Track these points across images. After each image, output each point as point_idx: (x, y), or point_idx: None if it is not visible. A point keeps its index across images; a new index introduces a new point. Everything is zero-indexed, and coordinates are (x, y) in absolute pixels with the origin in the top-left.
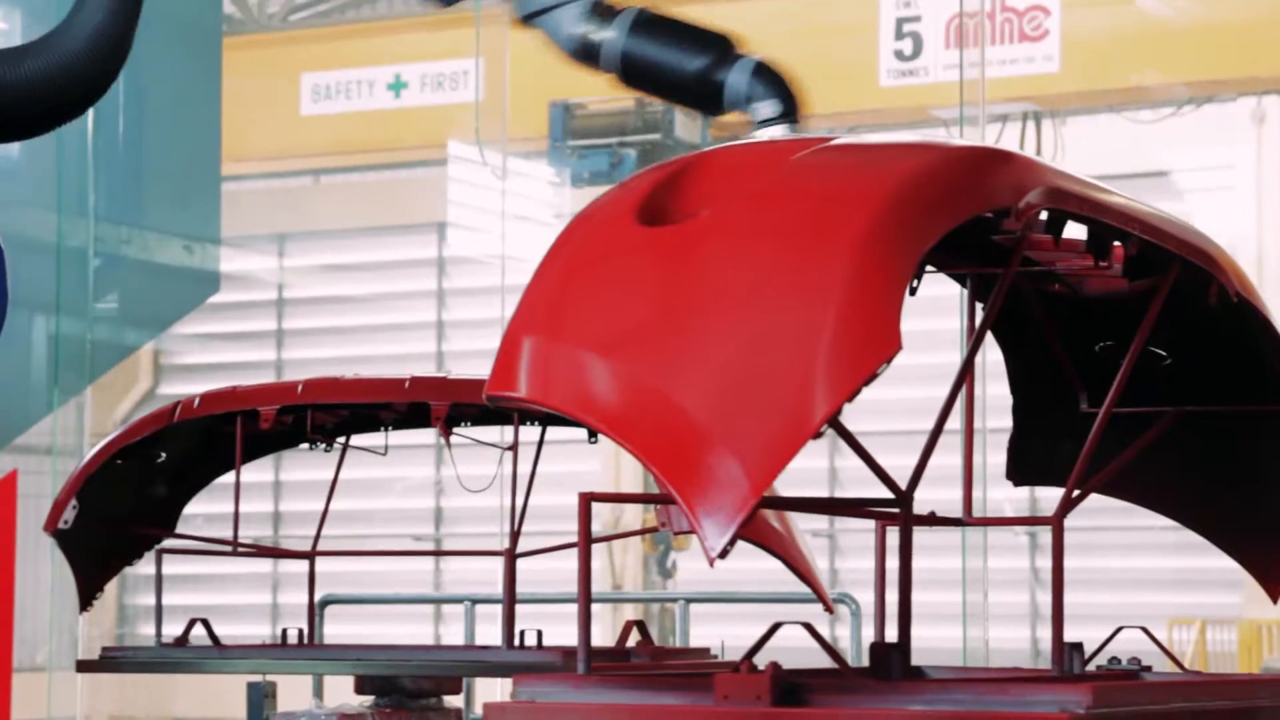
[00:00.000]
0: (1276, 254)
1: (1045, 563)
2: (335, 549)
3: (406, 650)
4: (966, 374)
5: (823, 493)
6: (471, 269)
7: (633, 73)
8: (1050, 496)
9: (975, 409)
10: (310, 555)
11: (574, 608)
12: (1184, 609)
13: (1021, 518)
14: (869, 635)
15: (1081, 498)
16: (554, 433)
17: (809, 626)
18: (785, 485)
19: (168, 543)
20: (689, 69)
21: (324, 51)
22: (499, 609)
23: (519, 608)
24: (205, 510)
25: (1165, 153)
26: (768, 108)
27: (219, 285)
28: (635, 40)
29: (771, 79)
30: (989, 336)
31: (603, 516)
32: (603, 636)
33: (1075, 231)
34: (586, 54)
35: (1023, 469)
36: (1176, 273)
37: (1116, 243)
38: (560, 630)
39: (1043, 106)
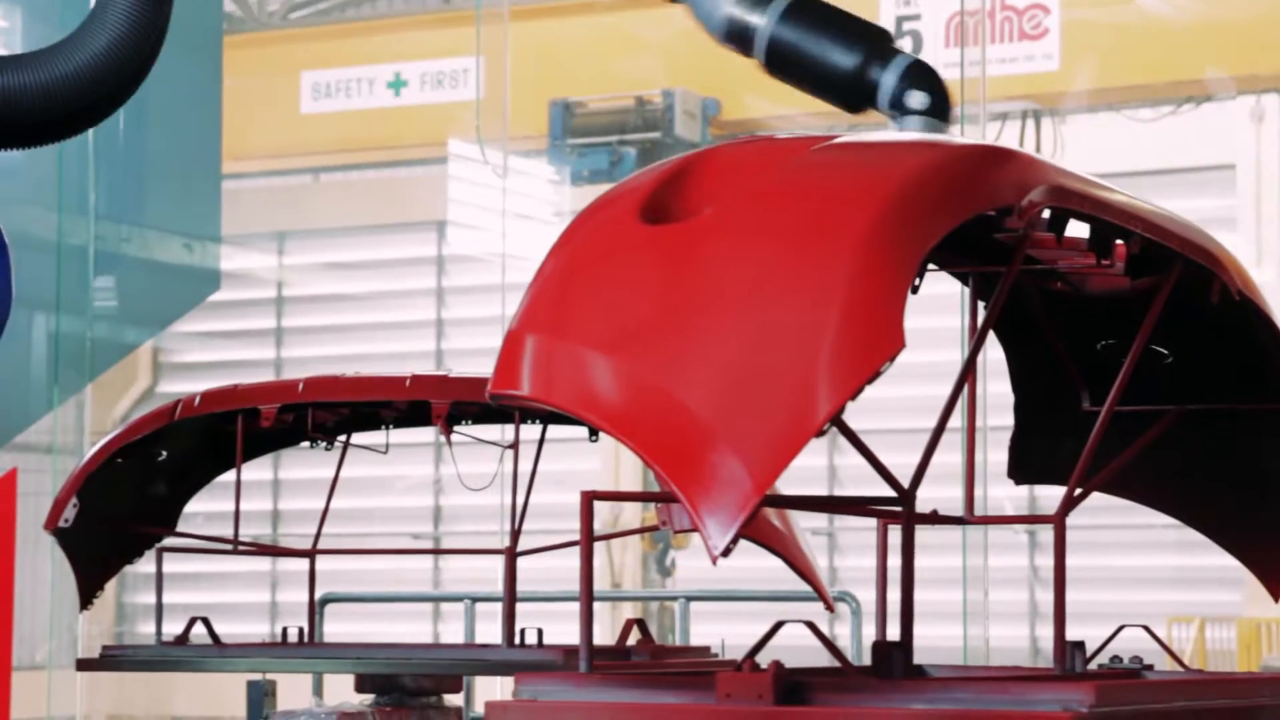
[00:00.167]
0: (1276, 252)
1: (1044, 561)
2: (335, 547)
3: (407, 649)
4: (968, 372)
5: (822, 491)
6: (471, 267)
7: (778, 62)
8: (1049, 495)
9: (976, 407)
10: (310, 553)
11: (574, 606)
12: (1183, 607)
13: (1024, 516)
14: (869, 634)
15: (1083, 496)
16: (554, 431)
17: (811, 625)
18: (786, 483)
19: (168, 541)
20: (840, 65)
21: (324, 50)
22: (499, 608)
23: (519, 606)
24: (205, 509)
25: (1164, 151)
26: (917, 99)
27: (219, 283)
28: (785, 28)
29: (927, 78)
30: (990, 335)
31: (601, 515)
32: (602, 635)
33: (1077, 230)
34: (736, 38)
35: (1024, 467)
36: (1179, 271)
37: (1119, 241)
38: (560, 629)
39: (1042, 105)
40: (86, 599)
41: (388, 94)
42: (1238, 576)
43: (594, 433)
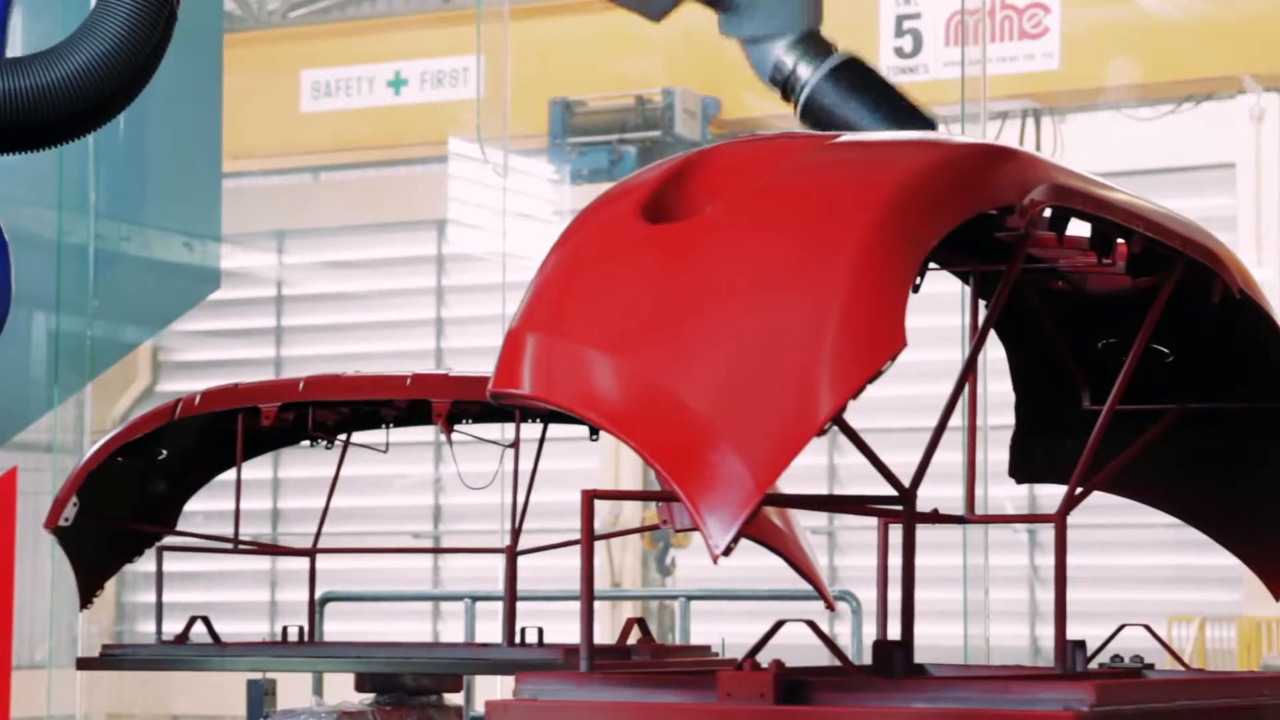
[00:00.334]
0: (1276, 252)
1: (1045, 560)
2: (335, 546)
3: (407, 648)
4: (969, 371)
5: (822, 490)
6: (471, 266)
7: (810, 117)
8: (1050, 494)
9: (977, 406)
10: (310, 552)
11: (574, 605)
12: (1183, 606)
13: (1024, 515)
14: (870, 633)
15: (1084, 495)
16: (554, 430)
17: (812, 624)
18: (786, 482)
19: (168, 540)
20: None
21: (324, 48)
22: (499, 607)
23: (519, 605)
24: (205, 507)
25: (1165, 150)
26: None
27: (219, 282)
28: (827, 85)
29: None
30: (991, 333)
31: (601, 514)
32: (602, 634)
33: (1078, 229)
34: (779, 82)
35: (1025, 466)
36: (1180, 270)
37: (1120, 240)
38: (560, 628)
39: (1043, 104)
40: (86, 598)
41: (388, 93)
42: (1238, 575)
43: (594, 431)
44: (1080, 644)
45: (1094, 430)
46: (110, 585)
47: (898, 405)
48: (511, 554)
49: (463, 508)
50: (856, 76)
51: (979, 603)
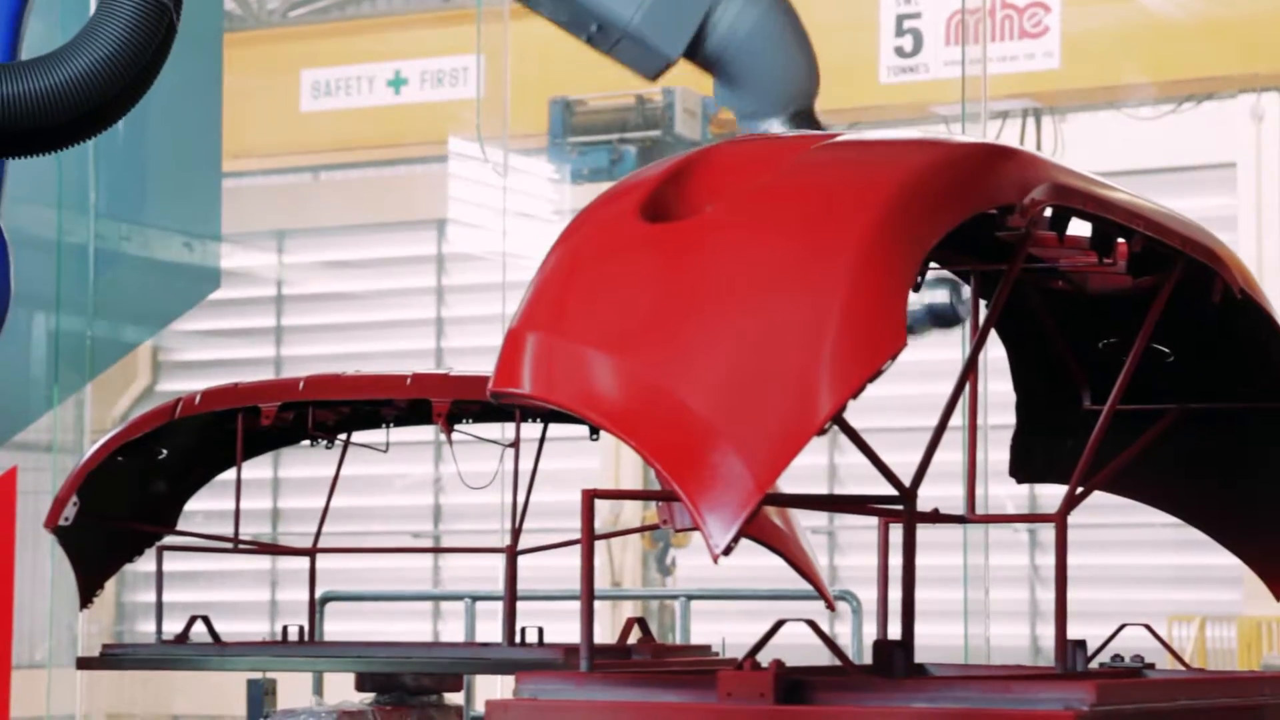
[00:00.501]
0: (1276, 251)
1: (1045, 560)
2: (336, 546)
3: (407, 647)
4: (970, 371)
5: (823, 489)
6: (472, 265)
7: None
8: (1050, 493)
9: (978, 406)
10: (311, 552)
11: (574, 605)
12: (1184, 606)
13: (1025, 515)
14: (870, 632)
15: (1084, 495)
16: (554, 429)
17: (812, 624)
18: (786, 482)
19: (168, 539)
20: None
21: (324, 48)
22: (499, 606)
23: (519, 605)
24: (205, 507)
25: (1165, 150)
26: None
27: (219, 282)
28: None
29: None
30: (992, 333)
31: (601, 514)
32: (602, 634)
33: (1079, 228)
34: None
35: (1025, 466)
36: (1180, 270)
37: (1120, 240)
38: (561, 627)
39: (1043, 103)
40: (86, 597)
41: (388, 92)
42: (1238, 575)
43: (595, 431)
44: (1081, 644)
45: (1094, 430)
46: (110, 585)
47: (898, 405)
48: (511, 554)
49: (463, 507)
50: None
51: (979, 602)
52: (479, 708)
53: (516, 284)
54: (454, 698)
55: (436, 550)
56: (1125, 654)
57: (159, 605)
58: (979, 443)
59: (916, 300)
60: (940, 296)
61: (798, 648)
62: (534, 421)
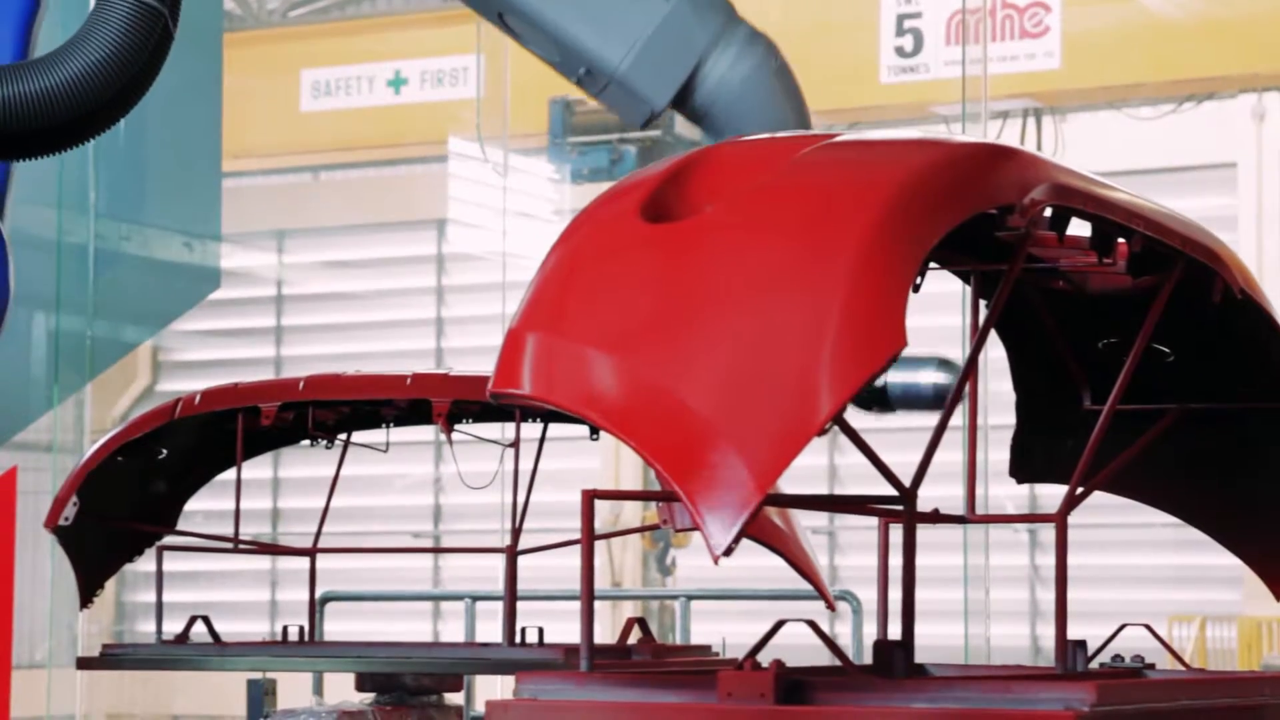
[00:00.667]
0: (1277, 251)
1: (1045, 560)
2: (336, 546)
3: (407, 647)
4: (970, 371)
5: (823, 489)
6: (471, 265)
7: None
8: (1051, 494)
9: (978, 406)
10: (311, 552)
11: (574, 605)
12: (1184, 606)
13: (1025, 515)
14: (870, 633)
15: (1084, 495)
16: (554, 429)
17: (813, 624)
18: (786, 482)
19: (168, 539)
20: None
21: (324, 48)
22: (499, 606)
23: (520, 605)
24: (205, 507)
25: (1166, 150)
26: None
27: (219, 282)
28: None
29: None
30: (992, 333)
31: (601, 514)
32: (603, 634)
33: (1079, 228)
34: None
35: (1025, 466)
36: (1180, 270)
37: (1120, 240)
38: (561, 628)
39: (1044, 103)
40: (86, 597)
41: (388, 92)
42: (1238, 575)
43: (595, 431)
44: (1081, 644)
45: (1094, 430)
46: (110, 585)
47: None
48: (512, 554)
49: (463, 507)
50: None
51: (980, 603)
52: (479, 708)
53: (516, 284)
54: (454, 698)
55: (436, 550)
56: (1125, 654)
57: (159, 605)
58: (979, 443)
59: (916, 379)
60: (941, 378)
61: (798, 648)
62: (534, 421)
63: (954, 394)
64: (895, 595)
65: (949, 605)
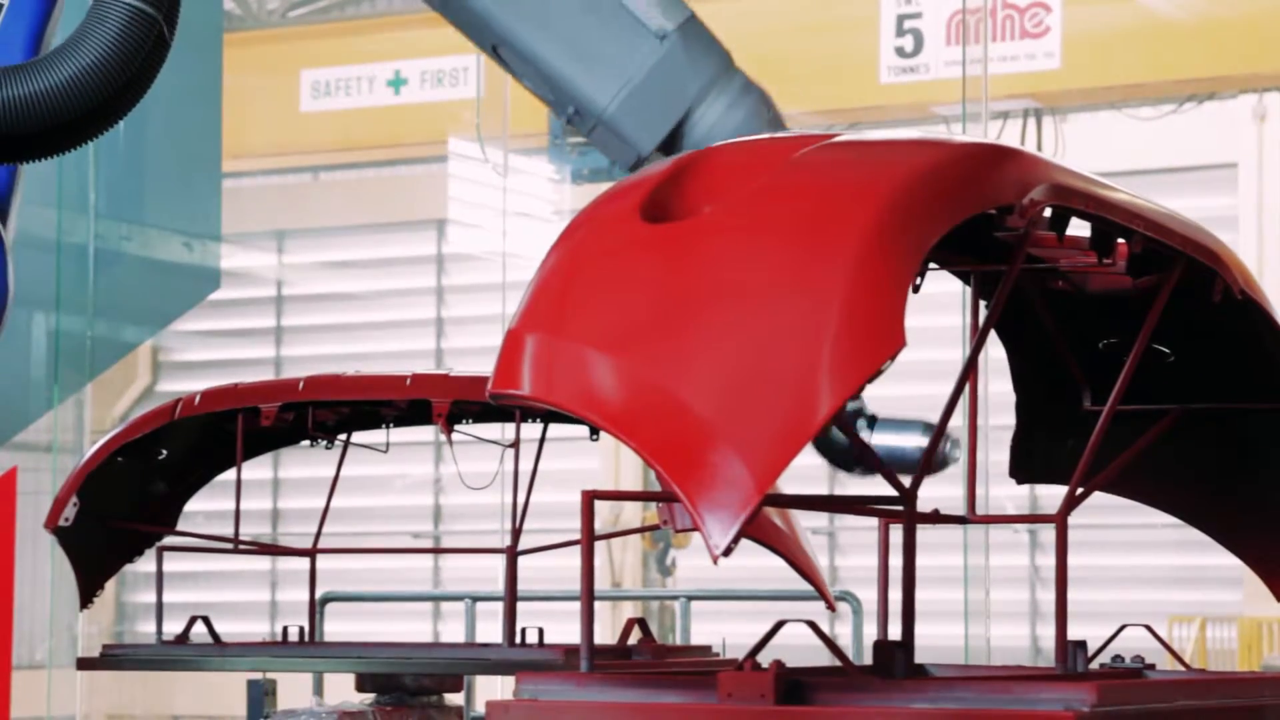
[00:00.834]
0: (1277, 251)
1: (1045, 560)
2: (336, 546)
3: (407, 648)
4: (970, 371)
5: (822, 490)
6: (472, 265)
7: None
8: (1051, 494)
9: (978, 407)
10: (311, 552)
11: (574, 605)
12: (1184, 606)
13: (1025, 515)
14: (871, 633)
15: (1085, 496)
16: (554, 430)
17: (813, 624)
18: (786, 482)
19: (168, 540)
20: None
21: (324, 48)
22: (499, 607)
23: (520, 605)
24: (206, 507)
25: (1166, 150)
26: None
27: (219, 282)
28: None
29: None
30: (992, 333)
31: (601, 514)
32: (603, 634)
33: (1079, 229)
34: None
35: (1026, 467)
36: (1181, 270)
37: (1120, 240)
38: (561, 628)
39: (1044, 103)
40: (86, 598)
41: (388, 92)
42: (1238, 575)
43: (595, 432)
44: (1081, 644)
45: (1095, 430)
46: (110, 585)
47: (898, 405)
48: (512, 554)
49: (463, 508)
50: None
51: (980, 603)
52: (479, 708)
53: (516, 284)
54: (454, 698)
55: (436, 551)
56: (1126, 655)
57: (159, 605)
58: (979, 443)
59: (902, 443)
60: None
61: (798, 648)
62: (534, 422)
63: (954, 394)
64: (895, 596)
65: (949, 605)
